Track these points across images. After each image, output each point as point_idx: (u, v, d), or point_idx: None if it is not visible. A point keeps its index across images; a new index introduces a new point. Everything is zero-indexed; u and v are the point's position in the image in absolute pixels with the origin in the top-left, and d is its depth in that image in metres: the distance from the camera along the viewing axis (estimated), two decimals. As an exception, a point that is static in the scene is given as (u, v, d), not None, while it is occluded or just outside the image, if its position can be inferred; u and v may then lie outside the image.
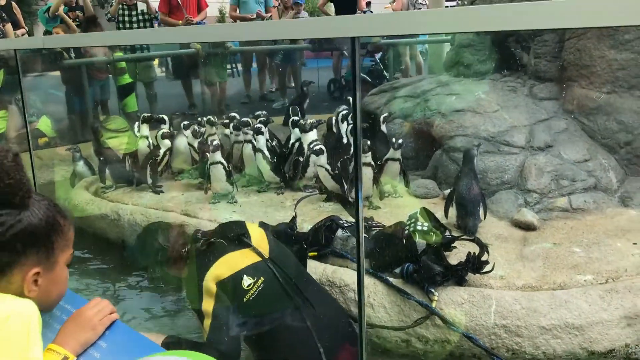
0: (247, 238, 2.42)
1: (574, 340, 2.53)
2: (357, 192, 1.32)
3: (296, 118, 4.74)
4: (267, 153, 4.27)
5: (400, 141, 3.95)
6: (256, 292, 2.27)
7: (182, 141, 4.69)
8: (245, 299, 2.26)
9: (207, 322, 2.24)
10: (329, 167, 3.76)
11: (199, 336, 2.59)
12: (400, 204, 3.92)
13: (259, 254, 2.36)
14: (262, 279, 2.29)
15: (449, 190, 3.63)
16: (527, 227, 3.41)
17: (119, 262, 3.82)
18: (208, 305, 2.26)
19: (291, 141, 4.56)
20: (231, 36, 3.56)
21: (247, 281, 2.27)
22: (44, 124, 5.82)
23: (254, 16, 8.53)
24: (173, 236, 2.55)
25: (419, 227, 2.92)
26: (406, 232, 2.87)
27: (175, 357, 1.28)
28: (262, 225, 2.76)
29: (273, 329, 2.31)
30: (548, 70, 4.40)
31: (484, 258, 2.72)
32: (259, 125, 4.33)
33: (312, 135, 4.32)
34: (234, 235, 2.43)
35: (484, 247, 2.75)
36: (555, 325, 2.54)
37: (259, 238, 2.46)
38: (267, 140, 4.41)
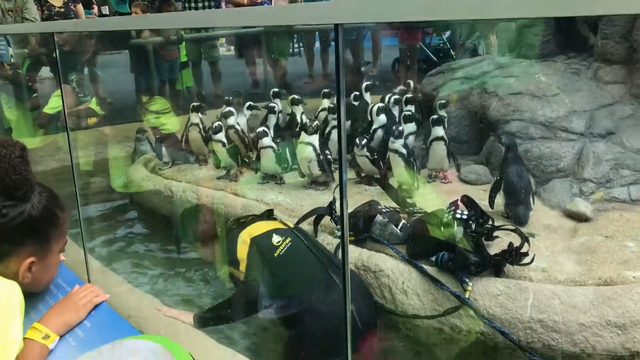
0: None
1: (616, 340, 2.40)
2: (340, 173, 1.31)
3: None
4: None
5: (438, 117, 3.84)
6: (285, 249, 2.58)
7: (242, 121, 4.73)
8: (275, 254, 2.56)
9: (243, 265, 2.55)
10: (368, 154, 3.72)
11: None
12: (448, 190, 3.83)
13: (284, 223, 2.81)
14: (289, 239, 2.62)
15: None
16: (579, 218, 3.25)
17: (167, 238, 3.94)
18: (242, 252, 2.58)
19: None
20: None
21: (276, 238, 2.62)
22: (94, 104, 6.06)
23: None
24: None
25: (458, 215, 2.84)
26: (444, 219, 2.80)
27: (148, 341, 1.32)
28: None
29: (302, 290, 2.52)
30: (615, 52, 4.12)
31: (524, 249, 2.62)
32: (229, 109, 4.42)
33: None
34: (263, 213, 2.97)
35: (524, 238, 2.65)
36: (595, 322, 2.42)
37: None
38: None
